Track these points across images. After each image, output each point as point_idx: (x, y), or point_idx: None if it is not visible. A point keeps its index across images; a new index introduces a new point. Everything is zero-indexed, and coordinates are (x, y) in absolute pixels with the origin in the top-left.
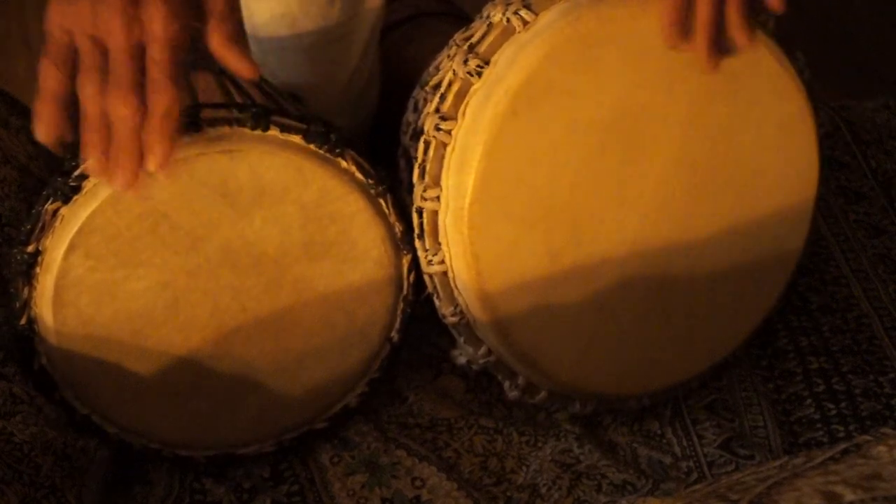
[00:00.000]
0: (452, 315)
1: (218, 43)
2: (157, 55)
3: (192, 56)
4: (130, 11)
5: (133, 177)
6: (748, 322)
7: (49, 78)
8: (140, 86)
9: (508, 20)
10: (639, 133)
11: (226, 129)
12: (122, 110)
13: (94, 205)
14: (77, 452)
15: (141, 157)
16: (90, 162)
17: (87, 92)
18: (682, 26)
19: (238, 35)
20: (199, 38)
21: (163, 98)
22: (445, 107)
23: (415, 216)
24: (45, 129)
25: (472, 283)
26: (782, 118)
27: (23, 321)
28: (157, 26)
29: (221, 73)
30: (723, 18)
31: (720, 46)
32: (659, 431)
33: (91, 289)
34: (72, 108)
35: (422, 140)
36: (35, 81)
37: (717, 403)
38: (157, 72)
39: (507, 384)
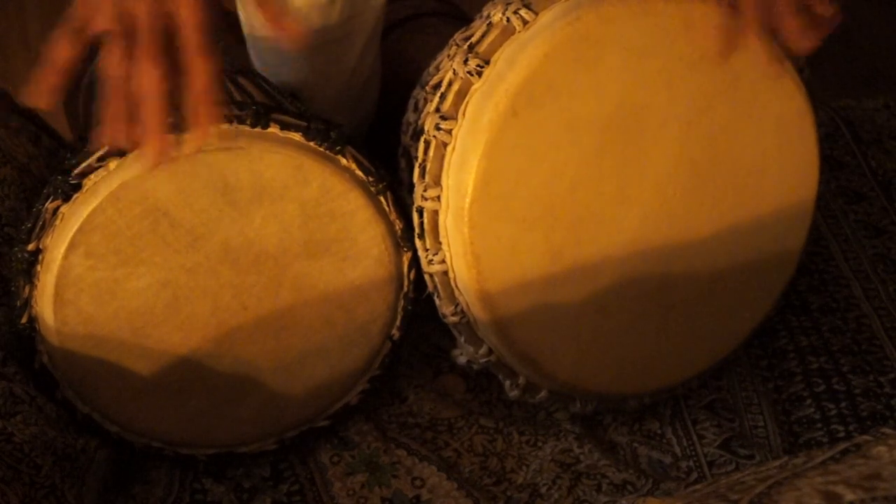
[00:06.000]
0: (453, 314)
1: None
2: (187, 19)
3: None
4: None
5: (164, 150)
6: (748, 321)
7: (62, 48)
8: (169, 53)
9: (508, 20)
10: (639, 133)
11: (226, 127)
12: (152, 73)
13: (94, 203)
14: (77, 452)
15: (167, 131)
16: (110, 133)
17: (113, 58)
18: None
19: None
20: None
21: (200, 61)
22: (446, 106)
23: (415, 215)
24: (45, 97)
25: (472, 282)
26: (782, 118)
27: (23, 320)
28: None
29: (221, 72)
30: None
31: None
32: (659, 431)
33: (91, 287)
34: (81, 107)
35: (422, 140)
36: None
37: (717, 403)
38: (190, 35)
39: (507, 383)
